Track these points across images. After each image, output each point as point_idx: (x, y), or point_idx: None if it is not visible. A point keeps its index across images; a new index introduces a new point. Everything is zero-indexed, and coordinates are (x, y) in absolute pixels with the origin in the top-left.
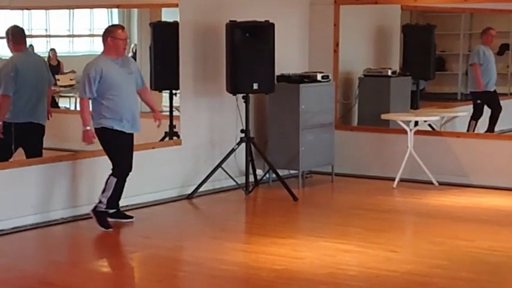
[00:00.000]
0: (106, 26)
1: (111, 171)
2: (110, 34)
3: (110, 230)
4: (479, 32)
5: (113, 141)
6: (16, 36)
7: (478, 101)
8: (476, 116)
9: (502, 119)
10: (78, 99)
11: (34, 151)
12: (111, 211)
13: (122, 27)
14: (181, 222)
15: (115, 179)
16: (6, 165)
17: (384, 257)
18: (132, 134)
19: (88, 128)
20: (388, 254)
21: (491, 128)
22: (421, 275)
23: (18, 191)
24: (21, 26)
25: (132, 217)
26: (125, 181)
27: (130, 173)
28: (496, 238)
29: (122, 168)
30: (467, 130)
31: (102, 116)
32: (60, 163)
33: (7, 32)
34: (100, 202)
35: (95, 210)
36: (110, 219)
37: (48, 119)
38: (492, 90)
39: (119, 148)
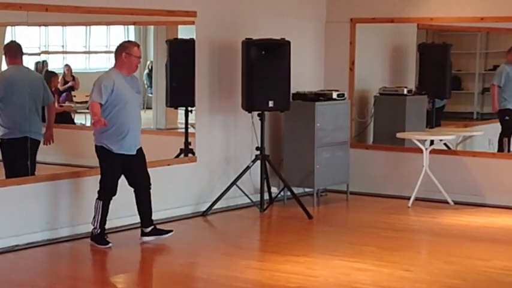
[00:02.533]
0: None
1: (97, 194)
2: (126, 50)
3: (109, 245)
4: (496, 52)
5: (107, 163)
6: (12, 50)
7: (506, 118)
8: (506, 133)
9: None
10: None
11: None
12: (149, 229)
13: (138, 45)
14: (196, 239)
15: (100, 202)
16: (22, 181)
17: (398, 276)
18: (138, 154)
19: (98, 118)
20: (402, 273)
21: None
22: None
23: (31, 207)
24: (37, 42)
25: (171, 231)
26: (148, 196)
27: (151, 187)
28: (511, 258)
29: (106, 191)
30: (499, 148)
31: (104, 132)
32: (78, 179)
33: (5, 46)
34: (94, 228)
35: (91, 236)
36: (150, 238)
37: (50, 142)
38: None
39: (110, 171)
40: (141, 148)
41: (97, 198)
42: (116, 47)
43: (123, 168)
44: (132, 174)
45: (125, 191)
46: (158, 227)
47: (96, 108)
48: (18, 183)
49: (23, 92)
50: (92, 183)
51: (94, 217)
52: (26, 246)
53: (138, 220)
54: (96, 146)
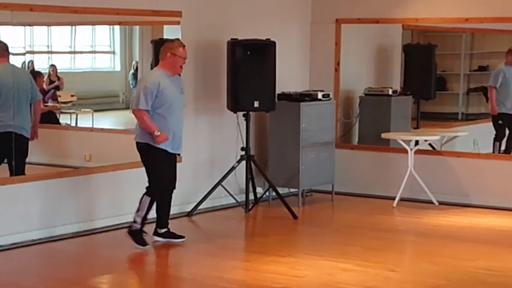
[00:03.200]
0: (107, 43)
1: (145, 190)
2: (172, 50)
3: (148, 246)
4: (481, 52)
5: (155, 160)
6: None
7: (500, 122)
8: (499, 136)
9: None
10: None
11: (17, 164)
12: (163, 230)
13: (184, 45)
14: None
15: (149, 198)
16: (6, 181)
17: (383, 276)
18: (174, 155)
19: (158, 133)
20: (387, 274)
21: (509, 150)
22: None
23: (19, 207)
24: (22, 41)
25: (183, 236)
26: (170, 198)
27: (174, 190)
28: (495, 258)
29: (157, 188)
30: (493, 152)
31: (149, 132)
32: (61, 179)
33: None
34: (134, 222)
35: (130, 230)
36: (161, 239)
37: (36, 137)
38: None
39: (159, 167)
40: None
41: (146, 194)
42: (162, 46)
43: None
44: None
45: (107, 190)
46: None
47: (147, 117)
48: (4, 183)
49: (10, 89)
50: (77, 183)
51: (137, 211)
52: (11, 247)
53: (127, 220)
54: (139, 143)
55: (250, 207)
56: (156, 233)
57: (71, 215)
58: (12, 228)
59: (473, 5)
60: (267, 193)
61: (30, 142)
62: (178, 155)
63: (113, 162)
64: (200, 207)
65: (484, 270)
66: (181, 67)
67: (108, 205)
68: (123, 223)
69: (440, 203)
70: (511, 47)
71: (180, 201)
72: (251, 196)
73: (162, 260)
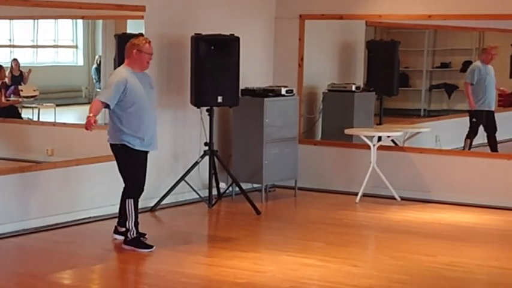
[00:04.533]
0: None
1: (122, 194)
2: (137, 47)
3: (153, 248)
4: (443, 49)
5: (131, 161)
6: None
7: (474, 119)
8: (471, 134)
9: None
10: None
11: None
12: (123, 229)
13: (149, 41)
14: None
15: (131, 200)
16: None
17: (345, 272)
18: (147, 152)
19: (91, 114)
20: (349, 269)
21: (494, 149)
22: None
23: None
24: None
25: (144, 234)
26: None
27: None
28: (456, 254)
29: (135, 188)
30: (463, 149)
31: (121, 131)
32: (23, 173)
33: None
34: (128, 230)
35: (127, 240)
36: (120, 237)
37: None
38: (489, 109)
39: (137, 167)
40: (147, 153)
41: (127, 198)
42: (127, 43)
43: None
44: None
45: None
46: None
47: (95, 106)
48: None
49: None
50: (40, 177)
51: (127, 219)
52: None
53: (89, 215)
54: (114, 145)
55: (213, 202)
56: (116, 232)
57: (32, 210)
58: None
59: (436, 2)
60: (230, 188)
61: None
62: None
63: (75, 157)
64: (163, 202)
65: (446, 265)
66: (148, 63)
67: (69, 200)
68: (86, 218)
69: (403, 199)
70: (485, 46)
71: (143, 196)
72: (214, 191)
73: (124, 256)
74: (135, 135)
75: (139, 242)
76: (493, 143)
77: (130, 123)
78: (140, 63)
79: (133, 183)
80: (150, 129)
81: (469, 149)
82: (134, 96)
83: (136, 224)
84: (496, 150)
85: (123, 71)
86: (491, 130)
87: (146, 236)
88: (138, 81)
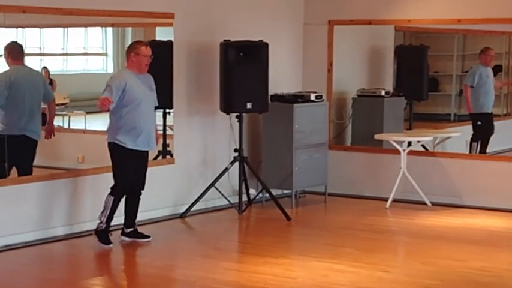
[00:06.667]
0: (99, 44)
1: (109, 190)
2: (134, 50)
3: (110, 245)
4: (473, 53)
5: (120, 160)
6: (14, 51)
7: (479, 123)
8: (477, 137)
9: (497, 140)
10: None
11: (25, 167)
12: (129, 230)
13: (146, 44)
14: (174, 241)
15: (112, 198)
16: (3, 183)
17: (376, 277)
18: (146, 152)
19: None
20: (380, 274)
21: (483, 150)
22: None
23: (15, 209)
24: None
25: (149, 236)
26: (139, 199)
27: (143, 191)
28: (487, 259)
29: (120, 187)
30: (470, 152)
31: (116, 130)
32: (54, 181)
33: (5, 48)
34: (100, 222)
35: (96, 230)
36: (127, 239)
37: (50, 137)
38: (488, 111)
39: (124, 166)
40: (148, 152)
41: (109, 194)
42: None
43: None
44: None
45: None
46: (137, 229)
47: (103, 98)
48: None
49: (27, 93)
50: (70, 185)
51: (102, 212)
52: (5, 249)
53: (120, 222)
54: (108, 143)
55: (243, 208)
56: (123, 233)
57: (64, 216)
58: (5, 230)
59: (465, 6)
60: (260, 194)
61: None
62: (146, 152)
63: (106, 164)
64: (193, 208)
65: (477, 270)
66: (146, 65)
67: (99, 207)
68: (117, 224)
69: (433, 204)
70: (484, 47)
71: (173, 202)
72: (244, 197)
73: (154, 262)
74: (128, 135)
75: (104, 236)
76: (486, 143)
77: (125, 122)
78: (138, 65)
79: (119, 183)
80: (146, 129)
81: (476, 152)
82: (132, 97)
83: (109, 219)
84: (485, 152)
85: (123, 72)
86: (488, 132)
87: (149, 239)
88: (139, 83)
